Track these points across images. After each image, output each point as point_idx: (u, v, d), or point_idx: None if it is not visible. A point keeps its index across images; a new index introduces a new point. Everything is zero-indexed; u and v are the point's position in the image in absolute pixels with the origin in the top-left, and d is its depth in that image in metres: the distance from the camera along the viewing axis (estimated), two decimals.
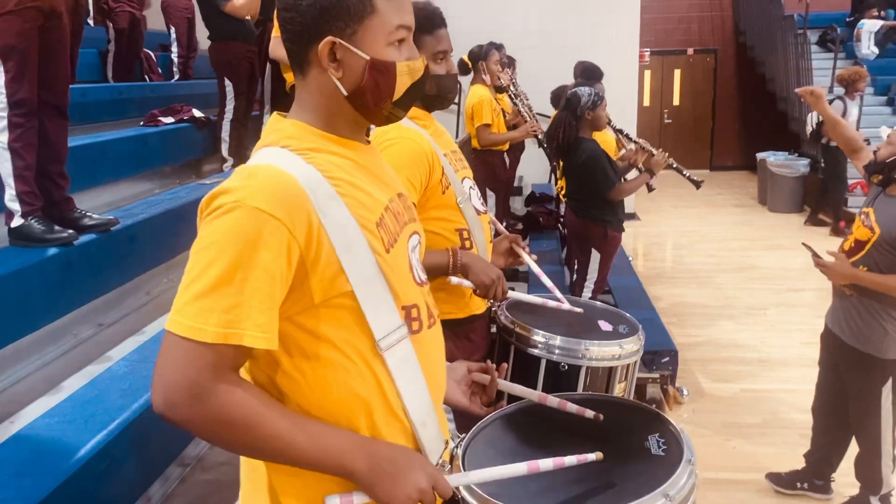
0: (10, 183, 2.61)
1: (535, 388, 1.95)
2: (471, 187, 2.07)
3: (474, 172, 2.21)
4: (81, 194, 3.38)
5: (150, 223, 3.33)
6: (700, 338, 5.00)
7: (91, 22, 6.54)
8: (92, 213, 3.00)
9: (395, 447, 1.05)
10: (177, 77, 6.62)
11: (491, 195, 5.46)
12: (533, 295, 2.19)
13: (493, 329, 2.15)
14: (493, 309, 2.10)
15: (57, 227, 2.71)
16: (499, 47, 5.67)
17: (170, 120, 4.81)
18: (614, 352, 1.99)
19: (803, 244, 2.87)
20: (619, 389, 2.04)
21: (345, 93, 1.07)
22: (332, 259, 0.99)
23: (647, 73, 12.63)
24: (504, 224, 5.93)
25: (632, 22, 8.45)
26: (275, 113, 1.14)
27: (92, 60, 5.83)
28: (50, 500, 1.61)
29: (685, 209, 9.61)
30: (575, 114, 3.86)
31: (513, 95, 5.42)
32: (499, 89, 5.31)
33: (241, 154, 5.10)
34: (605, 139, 4.32)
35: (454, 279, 1.85)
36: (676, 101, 13.11)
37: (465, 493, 1.15)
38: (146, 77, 6.39)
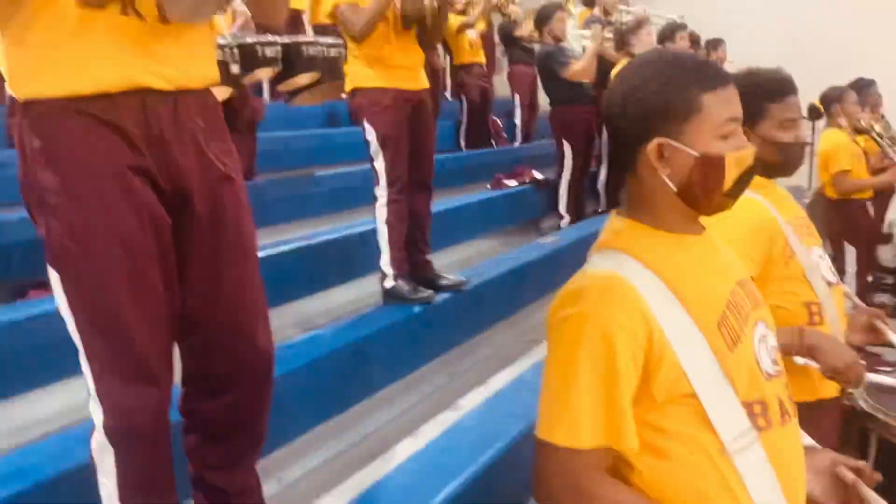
0: (385, 250, 3.08)
1: None
2: (820, 256, 1.91)
3: (830, 224, 2.04)
4: (438, 253, 3.83)
5: (495, 282, 3.63)
6: None
7: (448, 96, 7.37)
8: (447, 273, 3.38)
9: None
10: (520, 140, 7.12)
11: (851, 249, 4.90)
12: None
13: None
14: (849, 392, 1.90)
15: (420, 288, 3.12)
16: (867, 84, 5.15)
17: (513, 183, 5.23)
18: None
19: None
20: None
21: (674, 189, 1.10)
22: (673, 361, 1.02)
23: None
24: (870, 278, 5.25)
25: None
26: (613, 212, 1.21)
27: (448, 132, 6.58)
28: None
29: None
30: None
31: (878, 136, 4.84)
32: (859, 131, 4.79)
33: (578, 211, 5.30)
34: None
35: (800, 360, 1.71)
36: None
37: None
38: (493, 142, 6.98)
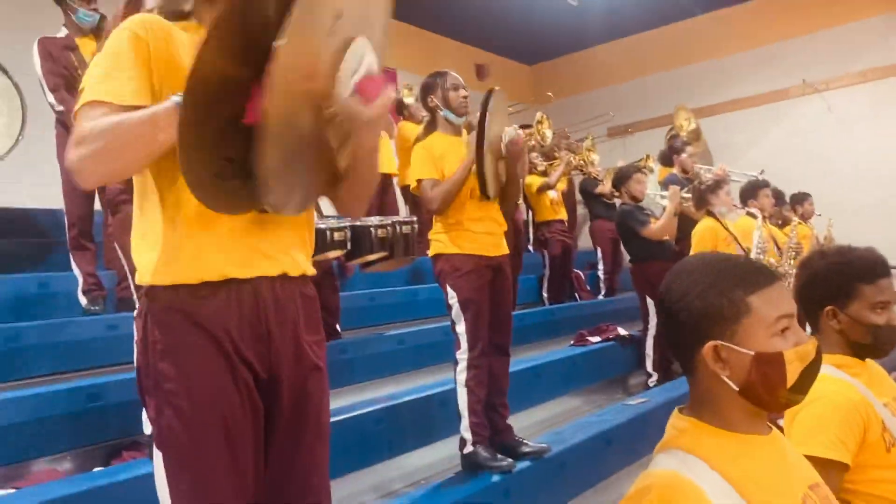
0: (464, 415, 3.05)
1: None
2: None
3: None
4: (519, 414, 3.75)
5: (579, 448, 3.51)
6: None
7: (531, 248, 7.49)
8: (527, 440, 3.30)
9: None
10: (603, 293, 7.10)
11: None
12: None
13: None
14: None
15: (499, 456, 3.04)
16: None
17: (596, 339, 5.15)
18: None
19: None
20: None
21: (735, 389, 1.10)
22: None
23: None
24: None
25: None
26: (675, 409, 1.20)
27: (530, 285, 6.64)
28: None
29: None
30: None
31: None
32: None
33: (666, 369, 5.14)
34: None
35: None
36: None
37: None
38: (576, 295, 6.98)
